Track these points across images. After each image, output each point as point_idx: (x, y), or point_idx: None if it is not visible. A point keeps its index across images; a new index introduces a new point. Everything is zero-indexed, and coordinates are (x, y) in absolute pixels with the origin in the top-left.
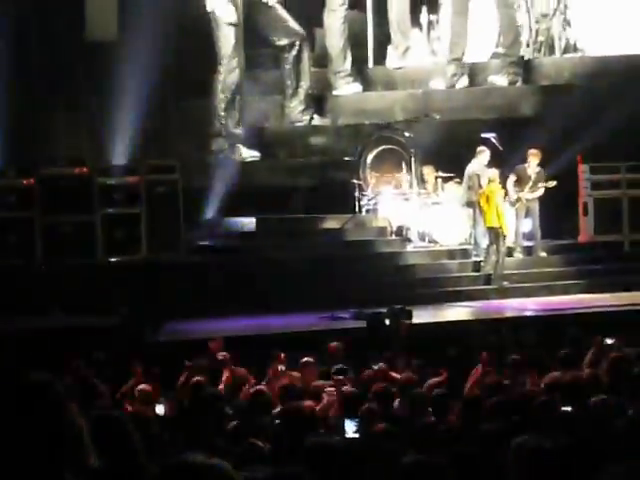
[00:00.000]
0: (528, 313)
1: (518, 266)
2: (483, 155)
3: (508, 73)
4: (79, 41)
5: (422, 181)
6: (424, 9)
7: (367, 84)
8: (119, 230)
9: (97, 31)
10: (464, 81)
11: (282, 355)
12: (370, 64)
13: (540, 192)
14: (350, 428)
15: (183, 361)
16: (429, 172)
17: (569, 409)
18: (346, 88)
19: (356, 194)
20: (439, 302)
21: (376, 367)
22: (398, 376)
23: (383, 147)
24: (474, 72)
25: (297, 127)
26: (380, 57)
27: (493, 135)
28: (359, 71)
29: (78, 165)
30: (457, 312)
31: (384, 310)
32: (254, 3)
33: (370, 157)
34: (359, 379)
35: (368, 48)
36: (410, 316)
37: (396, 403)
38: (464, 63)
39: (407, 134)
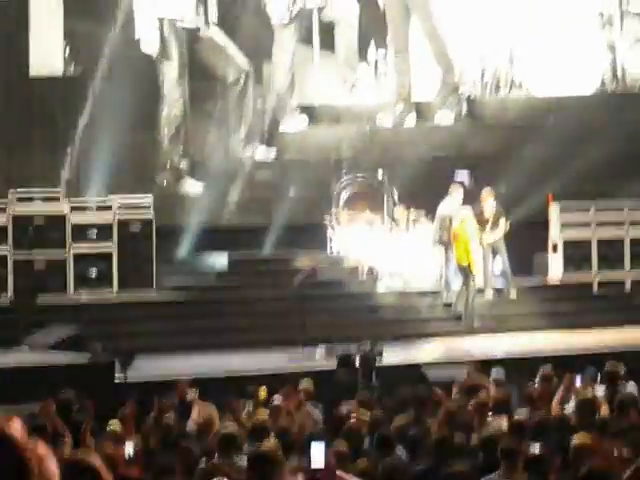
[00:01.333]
0: (498, 352)
1: (489, 305)
2: (456, 194)
3: (450, 103)
4: (25, 77)
5: (394, 220)
6: (372, 44)
7: (313, 120)
8: (91, 267)
9: (43, 67)
10: (412, 119)
11: (262, 391)
12: (316, 99)
13: (500, 231)
14: (316, 450)
15: (152, 399)
16: (402, 211)
17: (537, 449)
18: (292, 123)
19: (328, 233)
20: (410, 341)
21: (346, 406)
22: (367, 415)
23: (357, 186)
24: (421, 110)
25: (241, 161)
26: (327, 92)
27: (466, 172)
28: (305, 106)
29: (52, 202)
30: (428, 351)
31: (355, 350)
32: (199, 37)
33: (343, 196)
34: (330, 418)
35: (314, 83)
36: (381, 355)
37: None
38: (412, 102)
39: (381, 174)
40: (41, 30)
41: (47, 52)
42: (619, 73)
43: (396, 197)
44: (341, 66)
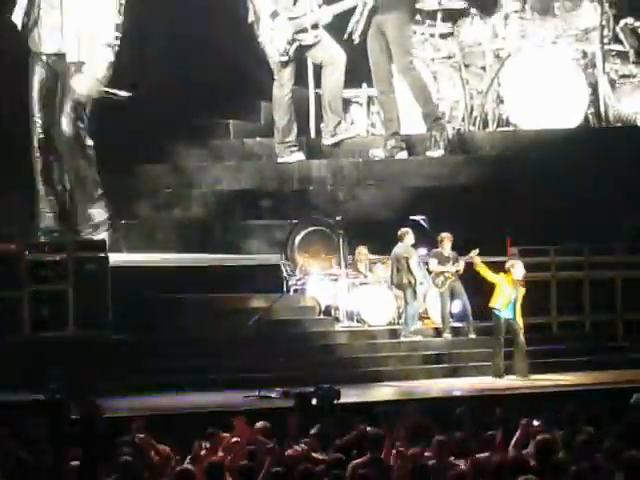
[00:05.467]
0: (456, 393)
1: (447, 347)
2: (407, 237)
3: (432, 135)
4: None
5: (352, 261)
6: (364, 84)
7: (310, 153)
8: (46, 307)
9: None
10: (404, 154)
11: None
12: (312, 134)
13: (462, 265)
14: None
15: (107, 438)
16: (361, 253)
17: None
18: (290, 157)
19: (284, 274)
20: (367, 382)
21: (299, 447)
22: (321, 457)
23: (311, 228)
24: (412, 144)
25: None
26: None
27: (422, 217)
28: (302, 141)
29: (6, 241)
30: (385, 392)
31: (312, 389)
32: None
33: (298, 238)
34: (282, 459)
35: (310, 119)
36: (338, 395)
37: None
38: (403, 136)
39: (337, 217)
40: None
41: None
42: (602, 110)
43: (348, 239)
44: (326, 109)
